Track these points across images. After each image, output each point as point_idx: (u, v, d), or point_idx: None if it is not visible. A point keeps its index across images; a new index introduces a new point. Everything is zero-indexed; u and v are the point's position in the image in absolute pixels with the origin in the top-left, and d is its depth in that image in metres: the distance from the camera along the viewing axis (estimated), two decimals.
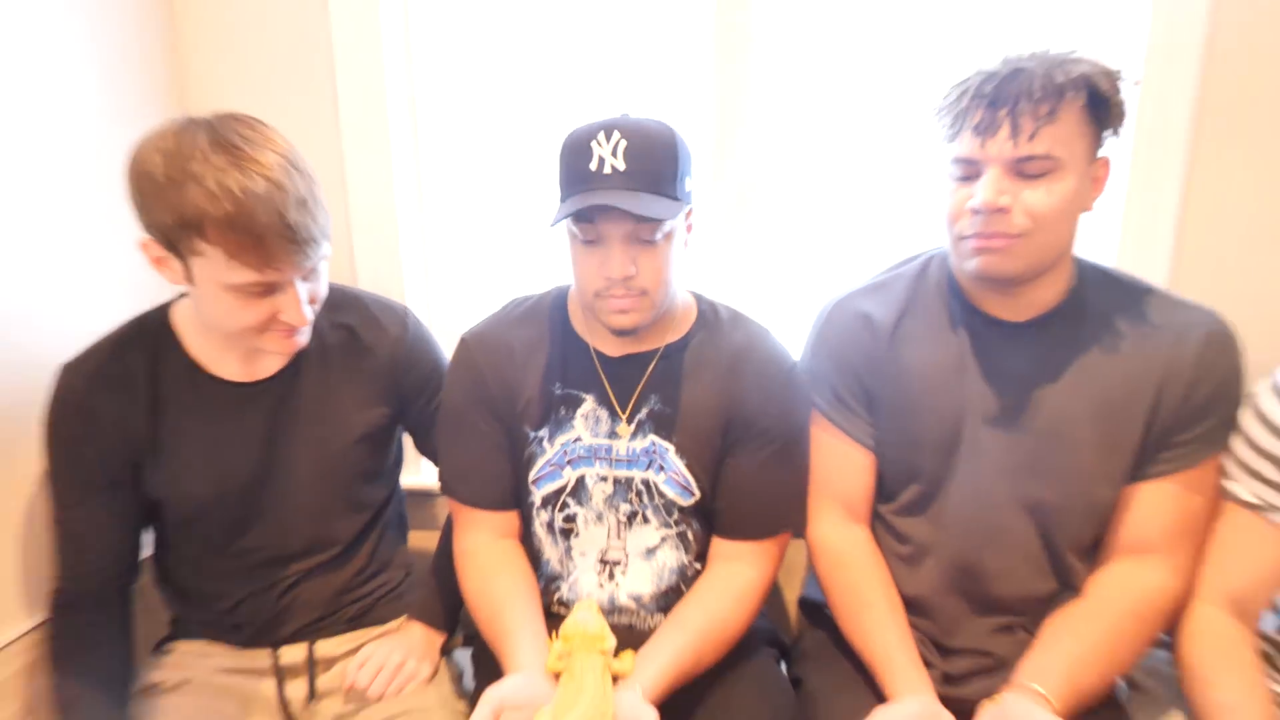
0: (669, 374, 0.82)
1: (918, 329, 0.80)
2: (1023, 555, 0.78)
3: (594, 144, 0.71)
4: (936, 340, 0.79)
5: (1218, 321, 0.73)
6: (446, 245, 1.17)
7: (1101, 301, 0.76)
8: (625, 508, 0.83)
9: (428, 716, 0.84)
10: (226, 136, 0.65)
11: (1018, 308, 0.76)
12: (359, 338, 0.86)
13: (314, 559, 0.87)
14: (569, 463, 0.82)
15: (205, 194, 0.63)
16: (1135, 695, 0.84)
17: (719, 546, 0.84)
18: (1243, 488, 0.73)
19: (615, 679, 0.71)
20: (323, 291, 0.76)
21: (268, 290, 0.69)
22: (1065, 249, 0.73)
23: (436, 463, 0.97)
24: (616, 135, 0.71)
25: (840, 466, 0.84)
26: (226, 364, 0.80)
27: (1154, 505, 0.74)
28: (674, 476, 0.82)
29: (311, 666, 0.87)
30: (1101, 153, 0.71)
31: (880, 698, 0.75)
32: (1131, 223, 0.96)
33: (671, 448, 0.81)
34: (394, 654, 0.85)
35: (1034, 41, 0.70)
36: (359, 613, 0.90)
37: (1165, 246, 0.94)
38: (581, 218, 0.71)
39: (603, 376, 0.82)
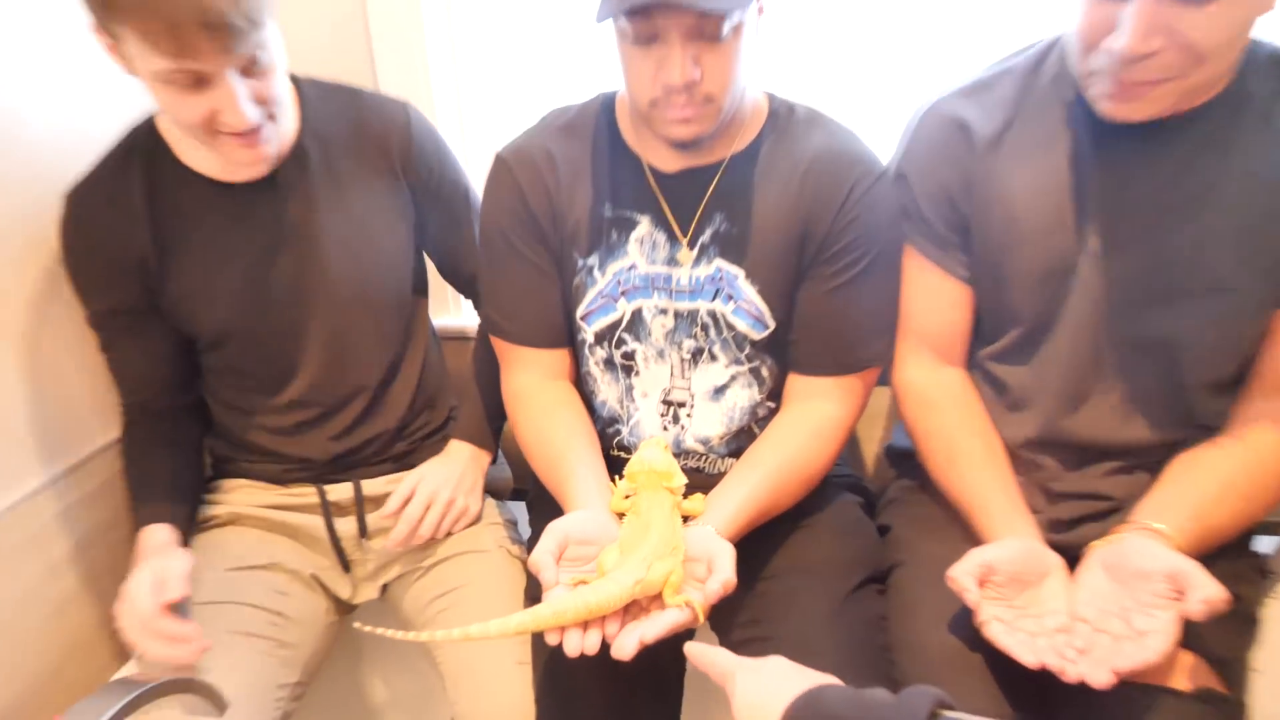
0: (736, 188, 0.72)
1: (1026, 140, 0.67)
2: (1146, 400, 0.68)
3: None
4: (1049, 153, 0.66)
5: None
6: (480, 53, 1.04)
7: (1268, 91, 0.60)
8: (689, 344, 0.76)
9: (485, 560, 0.83)
10: None
11: (1159, 109, 0.60)
12: (362, 127, 0.79)
13: (357, 395, 0.84)
14: (623, 294, 0.75)
15: None
16: None
17: (795, 384, 0.77)
18: None
19: (685, 520, 0.67)
20: (276, 91, 0.68)
21: (198, 83, 0.63)
22: (1233, 63, 0.58)
23: (462, 289, 0.92)
24: None
25: (929, 303, 0.74)
26: (219, 166, 0.73)
27: None
28: (744, 306, 0.74)
29: (360, 504, 0.85)
30: None
31: (977, 544, 0.67)
32: None
33: (741, 273, 0.73)
34: (443, 490, 0.83)
35: None
36: (405, 451, 0.88)
37: None
38: (634, 11, 0.60)
39: (659, 195, 0.73)
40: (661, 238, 0.74)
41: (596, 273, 0.75)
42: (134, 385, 0.81)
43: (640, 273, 0.74)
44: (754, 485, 0.69)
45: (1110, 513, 0.70)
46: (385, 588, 0.86)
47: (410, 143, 0.80)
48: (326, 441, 0.83)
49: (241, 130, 0.65)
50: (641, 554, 0.59)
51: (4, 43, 0.74)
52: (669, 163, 0.73)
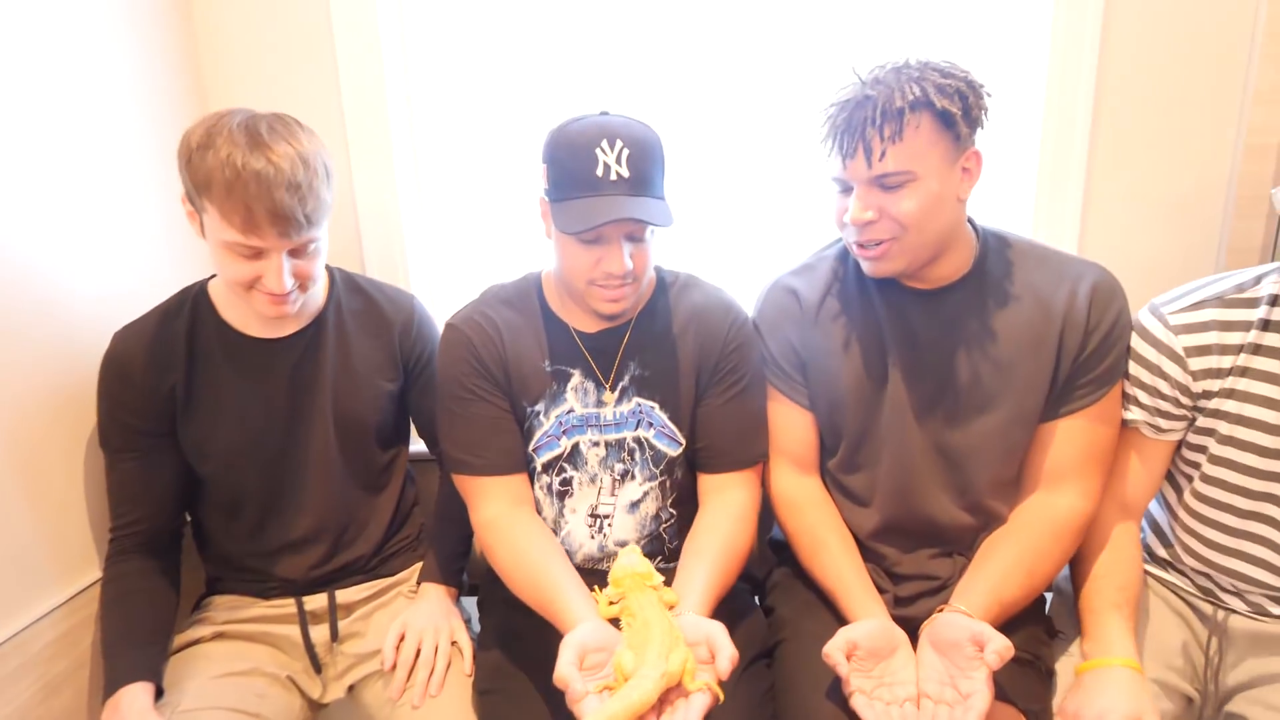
0: (642, 341, 0.90)
1: (840, 303, 0.89)
2: (949, 497, 0.87)
3: (599, 151, 0.76)
4: (856, 310, 0.88)
5: (1103, 273, 0.83)
6: (447, 239, 1.29)
7: (1001, 266, 0.84)
8: (619, 466, 0.90)
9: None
10: (255, 125, 0.78)
11: (926, 280, 0.84)
12: (376, 310, 0.97)
13: (338, 528, 0.95)
14: (564, 432, 0.89)
15: (218, 162, 0.75)
16: (1056, 597, 0.96)
17: (708, 482, 0.92)
18: (1128, 412, 0.84)
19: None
20: (316, 271, 0.85)
21: (254, 254, 0.79)
22: (951, 232, 0.81)
23: (431, 444, 1.04)
24: (620, 144, 0.77)
25: (786, 426, 0.93)
26: (253, 324, 0.90)
27: (1065, 440, 0.84)
28: (662, 430, 0.90)
29: (333, 612, 0.96)
30: (978, 144, 0.78)
31: (842, 621, 0.82)
32: (1044, 195, 1.08)
33: (655, 404, 0.90)
34: (427, 636, 0.90)
35: (911, 47, 0.78)
36: (378, 564, 1.00)
37: (1074, 214, 1.07)
38: (595, 225, 0.76)
39: (585, 352, 0.90)
40: (591, 385, 0.89)
41: (542, 416, 0.89)
42: (129, 506, 0.89)
43: (577, 414, 0.89)
44: (710, 569, 0.81)
45: (940, 589, 0.87)
46: (352, 687, 0.94)
47: (412, 328, 0.98)
48: (307, 568, 0.94)
49: (274, 294, 0.81)
50: (655, 650, 0.65)
51: (59, 219, 0.90)
52: (590, 326, 0.89)
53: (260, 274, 0.80)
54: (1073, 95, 1.04)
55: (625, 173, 0.77)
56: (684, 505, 0.94)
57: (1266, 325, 0.77)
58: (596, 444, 0.90)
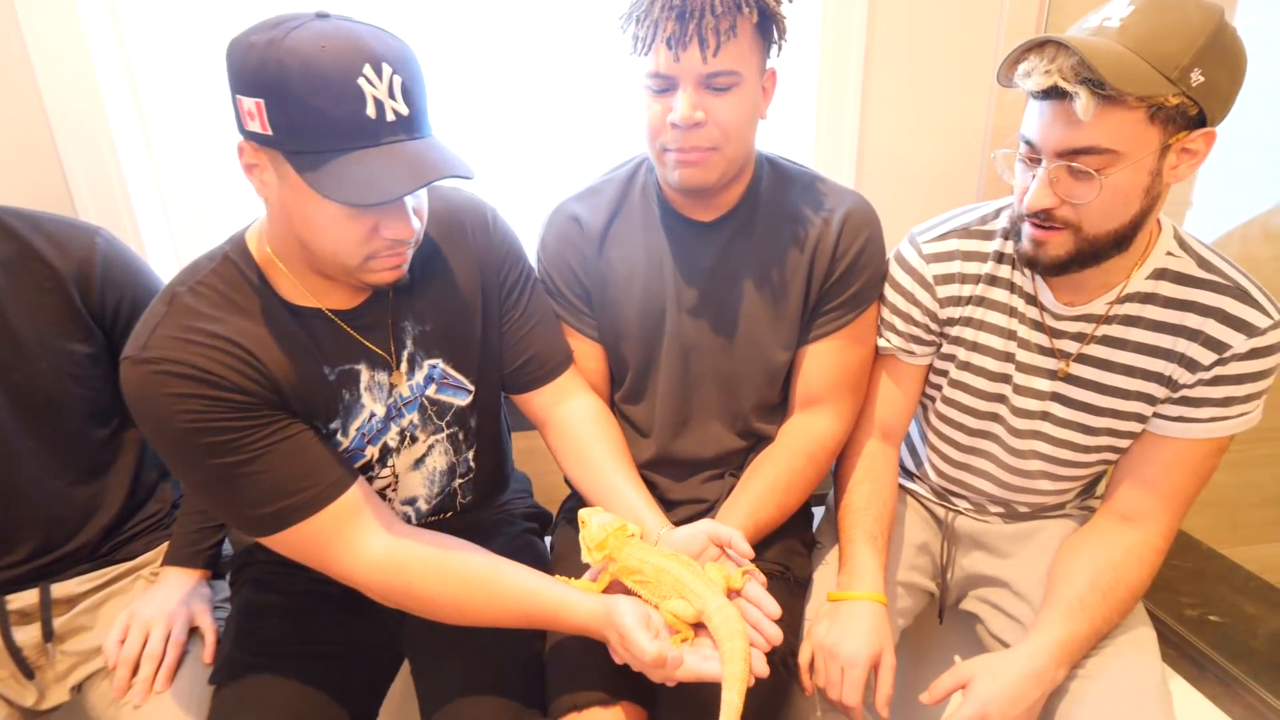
0: (410, 291, 0.75)
1: (624, 230, 0.85)
2: (721, 423, 0.89)
3: (362, 83, 0.56)
4: (640, 240, 0.85)
5: (859, 201, 0.85)
6: (182, 172, 1.09)
7: (771, 194, 0.84)
8: (411, 435, 0.79)
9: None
10: None
11: (709, 209, 0.83)
12: (34, 256, 0.78)
13: (41, 525, 0.81)
14: (369, 441, 0.76)
15: None
16: (825, 514, 1.03)
17: (544, 397, 0.85)
18: (883, 339, 0.89)
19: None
20: None
21: None
22: (750, 154, 0.81)
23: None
24: (387, 69, 0.57)
25: (576, 359, 0.89)
26: None
27: (816, 363, 0.86)
28: (444, 383, 0.80)
29: (46, 610, 0.83)
30: (769, 65, 0.77)
31: None
32: (823, 125, 1.10)
33: (442, 360, 0.78)
34: (155, 627, 0.80)
35: None
36: (109, 550, 0.87)
37: (851, 142, 1.10)
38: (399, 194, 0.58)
39: (355, 335, 0.72)
40: (383, 376, 0.74)
41: (340, 435, 0.73)
42: None
43: (380, 416, 0.75)
44: (632, 482, 0.81)
45: (709, 510, 0.90)
46: (80, 687, 0.83)
47: (94, 275, 0.79)
48: (5, 568, 0.80)
49: None
50: (697, 582, 0.65)
51: None
52: (346, 300, 0.71)
53: None
54: (846, 30, 1.05)
55: (404, 109, 0.59)
56: (485, 458, 0.88)
57: (1000, 258, 0.81)
58: (402, 430, 0.78)
